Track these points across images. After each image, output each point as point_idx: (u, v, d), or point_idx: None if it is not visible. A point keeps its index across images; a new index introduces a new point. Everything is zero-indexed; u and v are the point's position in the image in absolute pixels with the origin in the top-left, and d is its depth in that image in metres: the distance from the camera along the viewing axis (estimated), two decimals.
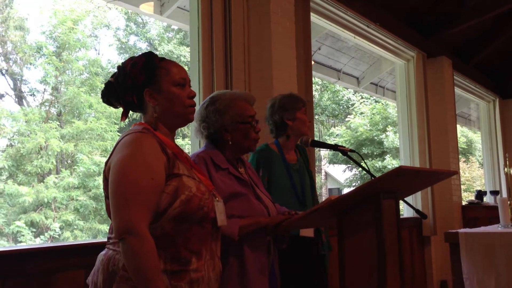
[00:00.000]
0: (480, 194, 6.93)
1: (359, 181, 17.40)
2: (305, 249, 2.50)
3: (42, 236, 10.50)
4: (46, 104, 12.61)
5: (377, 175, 1.86)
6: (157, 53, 1.69)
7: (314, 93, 8.98)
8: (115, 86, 1.61)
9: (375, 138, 15.93)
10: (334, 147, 2.46)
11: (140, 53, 1.65)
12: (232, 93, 2.07)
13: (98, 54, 15.20)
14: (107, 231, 1.58)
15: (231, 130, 1.98)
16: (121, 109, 1.65)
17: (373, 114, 16.32)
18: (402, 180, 1.87)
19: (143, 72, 1.58)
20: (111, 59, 15.69)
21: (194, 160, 1.86)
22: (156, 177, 1.46)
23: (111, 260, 1.46)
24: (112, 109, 11.92)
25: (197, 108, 1.85)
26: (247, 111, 2.01)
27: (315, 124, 11.50)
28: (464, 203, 6.62)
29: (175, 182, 1.50)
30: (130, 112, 1.67)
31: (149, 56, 1.61)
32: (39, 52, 12.34)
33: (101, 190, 11.25)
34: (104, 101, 1.66)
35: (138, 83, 1.58)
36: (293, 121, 2.64)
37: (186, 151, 1.74)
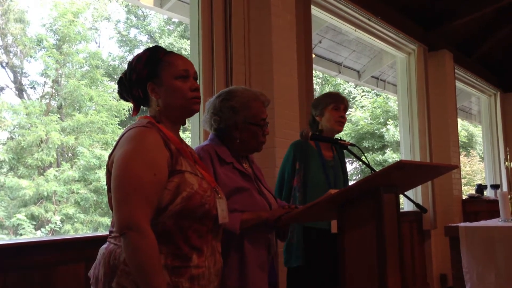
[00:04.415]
0: (480, 188, 6.93)
1: (359, 175, 17.42)
2: (336, 245, 2.50)
3: (42, 229, 10.53)
4: (47, 97, 12.60)
5: (378, 169, 1.86)
6: None
7: (314, 86, 8.96)
8: (124, 82, 1.65)
9: (376, 131, 15.93)
10: (335, 141, 2.46)
11: (147, 47, 1.66)
12: (250, 92, 2.05)
13: (99, 47, 15.17)
14: (108, 224, 1.59)
15: (241, 129, 1.97)
16: (122, 103, 1.66)
17: (374, 107, 16.31)
18: (402, 174, 1.87)
19: (146, 66, 1.60)
20: (112, 52, 15.69)
21: (198, 153, 1.87)
22: (159, 172, 1.46)
23: (112, 254, 1.47)
24: (113, 102, 11.94)
25: (203, 99, 1.83)
26: (261, 114, 2.01)
27: None
28: (464, 197, 6.62)
29: (177, 178, 1.50)
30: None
31: (153, 50, 1.63)
32: (39, 45, 12.31)
33: (102, 183, 11.28)
34: (120, 97, 1.70)
35: (141, 77, 1.61)
36: (321, 117, 2.70)
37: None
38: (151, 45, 1.72)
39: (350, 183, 2.35)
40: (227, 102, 1.99)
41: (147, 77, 1.60)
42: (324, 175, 2.58)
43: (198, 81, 3.18)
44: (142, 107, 1.69)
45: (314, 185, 2.55)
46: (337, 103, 2.70)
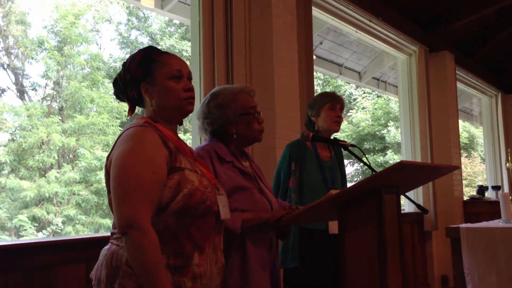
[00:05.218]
0: (481, 189, 6.93)
1: (360, 176, 17.40)
2: (334, 247, 2.50)
3: (44, 231, 10.53)
4: (48, 98, 12.61)
5: (379, 170, 1.86)
6: (159, 47, 1.68)
7: (316, 87, 8.97)
8: (118, 82, 1.64)
9: (377, 133, 15.92)
10: (336, 142, 2.46)
11: (141, 48, 1.66)
12: (232, 87, 2.08)
13: (100, 48, 15.17)
14: (109, 226, 1.59)
15: (234, 123, 1.98)
16: (123, 104, 1.66)
17: (375, 109, 16.30)
18: (403, 175, 1.87)
19: (140, 66, 1.60)
20: (113, 53, 15.68)
21: (198, 153, 1.86)
22: (158, 170, 1.45)
23: (114, 255, 1.46)
24: (114, 103, 11.95)
25: (197, 104, 1.84)
26: (249, 103, 2.02)
27: None
28: (465, 198, 6.62)
29: (177, 175, 1.50)
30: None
31: (147, 51, 1.62)
32: (40, 47, 12.32)
33: (103, 184, 11.32)
34: (116, 98, 1.70)
35: (135, 77, 1.60)
36: (317, 117, 2.68)
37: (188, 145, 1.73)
38: None
39: (351, 184, 2.35)
40: (213, 102, 2.00)
41: (141, 78, 1.59)
42: (321, 175, 2.57)
43: (199, 83, 3.20)
44: (138, 107, 1.69)
45: (310, 185, 2.54)
46: (333, 103, 2.68)
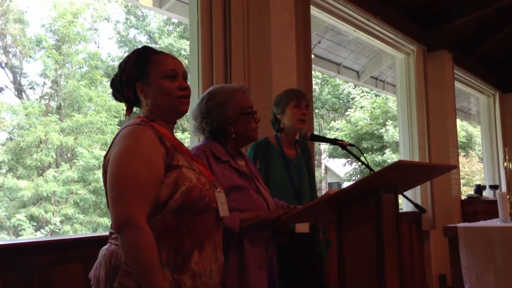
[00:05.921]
0: (479, 189, 6.93)
1: (358, 175, 17.43)
2: (300, 246, 2.48)
3: (42, 230, 10.52)
4: (46, 97, 12.61)
5: (377, 169, 1.86)
6: (157, 46, 1.68)
7: (314, 87, 8.98)
8: (115, 83, 1.64)
9: (375, 132, 15.95)
10: (334, 141, 2.45)
11: (136, 48, 1.66)
12: (229, 86, 2.09)
13: (98, 47, 15.18)
14: (107, 225, 1.59)
15: (234, 122, 1.98)
16: (121, 103, 1.66)
17: (373, 108, 16.33)
18: (402, 174, 1.87)
19: (135, 66, 1.60)
20: (111, 52, 15.70)
21: (194, 153, 1.86)
22: (154, 168, 1.45)
23: (113, 255, 1.46)
24: (112, 102, 11.95)
25: (193, 103, 1.84)
26: (247, 102, 2.02)
27: (315, 118, 11.51)
28: (463, 197, 6.62)
29: (175, 173, 1.50)
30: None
31: (142, 51, 1.63)
32: (38, 45, 12.32)
33: (101, 183, 11.34)
34: (114, 98, 1.70)
35: (131, 78, 1.60)
36: (282, 115, 2.64)
37: (185, 145, 1.73)
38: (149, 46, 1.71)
39: (349, 183, 2.34)
40: (212, 101, 2.00)
41: (136, 77, 1.59)
42: (287, 173, 2.54)
43: (197, 81, 3.20)
44: (136, 107, 1.69)
45: (276, 184, 2.49)
46: (299, 100, 2.62)
